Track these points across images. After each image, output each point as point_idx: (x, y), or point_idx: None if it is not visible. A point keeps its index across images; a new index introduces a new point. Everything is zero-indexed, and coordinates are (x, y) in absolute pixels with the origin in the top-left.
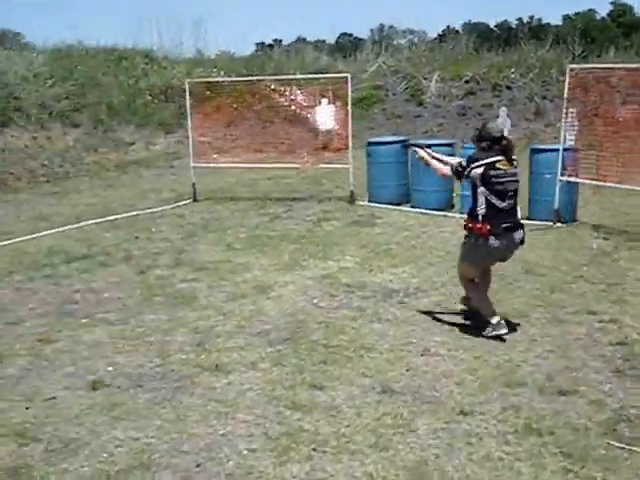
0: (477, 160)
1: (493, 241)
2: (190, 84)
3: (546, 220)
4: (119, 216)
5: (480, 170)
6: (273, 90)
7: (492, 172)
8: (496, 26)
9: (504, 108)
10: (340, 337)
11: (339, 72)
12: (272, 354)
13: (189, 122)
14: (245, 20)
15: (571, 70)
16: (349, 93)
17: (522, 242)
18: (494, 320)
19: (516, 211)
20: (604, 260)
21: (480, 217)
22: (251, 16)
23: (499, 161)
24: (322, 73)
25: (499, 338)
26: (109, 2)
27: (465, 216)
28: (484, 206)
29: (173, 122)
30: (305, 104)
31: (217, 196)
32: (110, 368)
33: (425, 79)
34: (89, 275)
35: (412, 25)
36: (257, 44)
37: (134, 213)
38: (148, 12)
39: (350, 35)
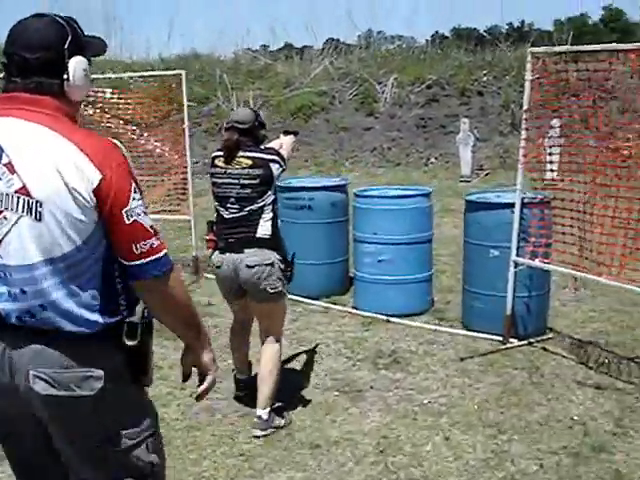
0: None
1: (216, 257)
2: None
3: (492, 333)
4: None
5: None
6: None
7: (212, 169)
8: (486, 31)
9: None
10: None
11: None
12: None
13: None
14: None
15: (534, 57)
16: (184, 99)
17: (258, 273)
18: None
19: (247, 226)
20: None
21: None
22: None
23: (219, 157)
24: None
25: None
26: None
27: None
28: (215, 212)
29: None
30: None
31: None
32: None
33: (380, 83)
34: None
35: (403, 32)
36: (245, 49)
37: None
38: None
39: (337, 40)
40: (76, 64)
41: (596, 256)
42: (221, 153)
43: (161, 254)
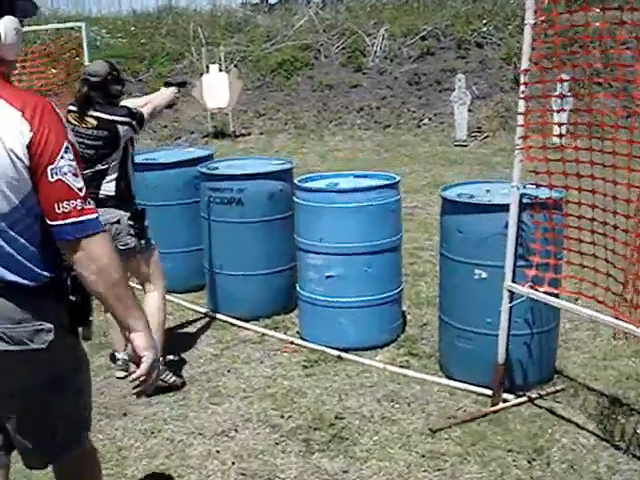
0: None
1: None
2: None
3: (478, 385)
4: None
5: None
6: None
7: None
8: None
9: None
10: None
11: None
12: None
13: None
14: None
15: None
16: (85, 53)
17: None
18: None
19: (92, 186)
20: None
21: None
22: None
23: (72, 112)
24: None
25: None
26: None
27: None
28: None
29: None
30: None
31: None
32: None
33: (369, 35)
34: None
35: None
36: (242, 3)
37: None
38: None
39: None
40: (7, 23)
41: (633, 295)
42: (74, 108)
43: (85, 217)
